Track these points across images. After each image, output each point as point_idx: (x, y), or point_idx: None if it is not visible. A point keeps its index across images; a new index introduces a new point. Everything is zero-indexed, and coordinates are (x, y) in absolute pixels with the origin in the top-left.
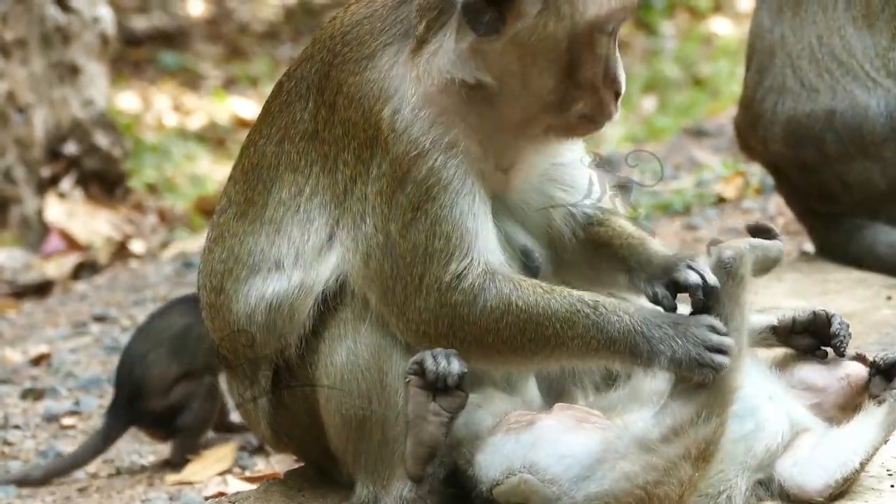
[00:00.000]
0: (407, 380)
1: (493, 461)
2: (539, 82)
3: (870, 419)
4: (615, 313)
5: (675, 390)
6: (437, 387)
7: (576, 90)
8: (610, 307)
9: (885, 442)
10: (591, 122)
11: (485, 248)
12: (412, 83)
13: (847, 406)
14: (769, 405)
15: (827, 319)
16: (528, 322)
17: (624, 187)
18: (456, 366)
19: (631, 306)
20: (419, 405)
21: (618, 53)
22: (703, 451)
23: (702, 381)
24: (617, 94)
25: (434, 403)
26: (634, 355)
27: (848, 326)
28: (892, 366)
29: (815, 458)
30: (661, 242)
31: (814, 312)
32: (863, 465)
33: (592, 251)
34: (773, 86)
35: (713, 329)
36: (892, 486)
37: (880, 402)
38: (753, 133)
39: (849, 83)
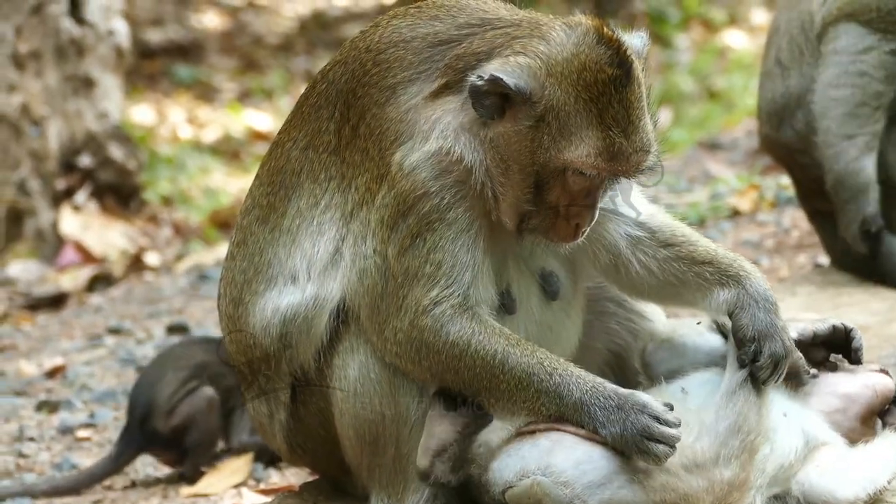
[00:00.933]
0: (433, 393)
1: (507, 464)
2: (512, 180)
3: (891, 444)
4: (568, 386)
5: (701, 424)
6: (460, 402)
7: (539, 205)
8: (565, 377)
9: None
10: (548, 238)
11: (470, 283)
12: (422, 135)
13: (867, 418)
14: (783, 423)
15: (846, 333)
16: (483, 370)
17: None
18: None
19: (588, 381)
20: (440, 406)
21: (599, 196)
22: (727, 497)
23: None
24: (578, 227)
25: (455, 412)
26: (578, 424)
27: (861, 337)
28: None
29: (847, 470)
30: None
31: (833, 326)
32: (889, 482)
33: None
34: (763, 71)
35: (657, 419)
36: None
37: None
38: (759, 122)
39: (810, 58)
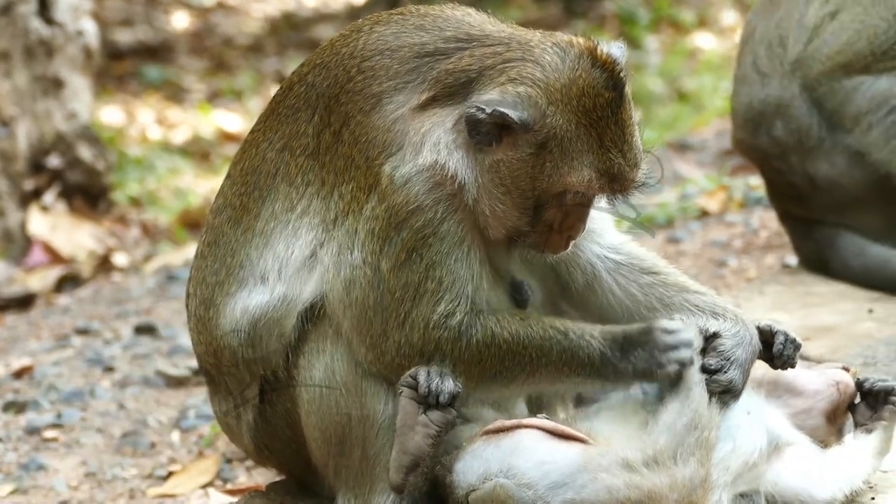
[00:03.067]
0: (399, 391)
1: (471, 466)
2: (511, 203)
3: (865, 445)
4: (582, 338)
5: (659, 423)
6: (428, 402)
7: (536, 224)
8: (578, 332)
9: (876, 470)
10: (538, 250)
11: (473, 294)
12: (413, 147)
13: (832, 415)
14: (746, 420)
15: (771, 335)
16: (507, 352)
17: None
18: (449, 384)
19: (595, 328)
20: (408, 415)
21: (590, 207)
22: (690, 494)
23: (672, 376)
24: (570, 238)
25: (424, 416)
26: (602, 375)
27: (794, 341)
28: (877, 394)
29: (823, 469)
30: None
31: (758, 327)
32: (863, 485)
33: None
34: (739, 75)
35: (666, 331)
36: (873, 498)
37: (869, 431)
38: (732, 126)
39: (792, 73)
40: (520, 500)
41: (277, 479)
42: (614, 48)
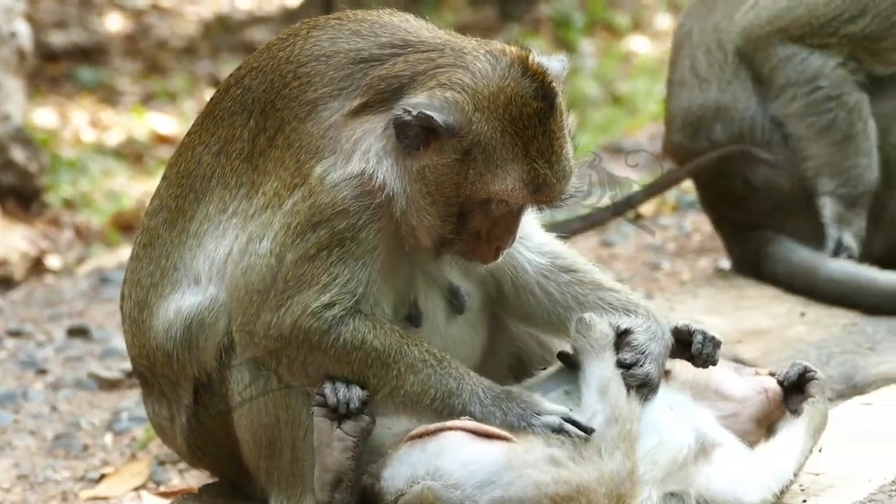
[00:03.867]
0: (311, 411)
1: (398, 472)
2: (435, 209)
3: (795, 430)
4: (458, 370)
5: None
6: (340, 413)
7: (461, 232)
8: (456, 365)
9: (820, 450)
10: (466, 259)
11: (362, 295)
12: (344, 154)
13: (763, 420)
14: (670, 415)
15: (689, 334)
16: (375, 360)
17: (617, 183)
18: (357, 390)
19: (473, 373)
20: (323, 432)
21: (520, 220)
22: (619, 487)
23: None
24: (499, 248)
25: (338, 430)
26: (468, 411)
27: (713, 339)
28: (797, 379)
29: (750, 470)
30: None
31: (676, 327)
32: (796, 475)
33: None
34: (675, 80)
35: (538, 409)
36: (805, 501)
37: (799, 413)
38: (667, 130)
39: (729, 73)
40: (448, 500)
41: (210, 481)
42: (554, 61)
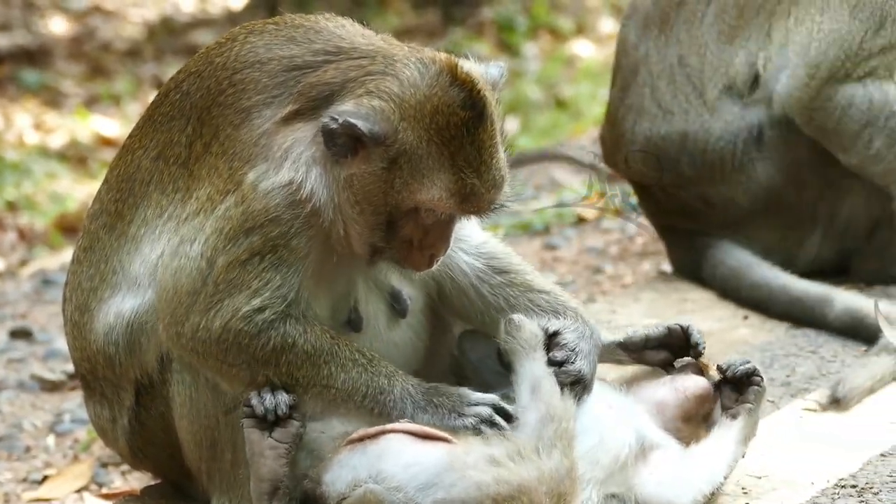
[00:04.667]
0: (241, 423)
1: (340, 475)
2: (364, 217)
3: (728, 434)
4: (387, 369)
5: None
6: (269, 420)
7: (391, 240)
8: (384, 365)
9: (744, 455)
10: (400, 266)
11: (293, 301)
12: (275, 163)
13: (691, 418)
14: (609, 414)
15: (683, 332)
16: (306, 361)
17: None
18: (283, 395)
19: (402, 372)
20: (254, 443)
21: (453, 228)
22: (559, 486)
23: (469, 428)
24: (431, 257)
25: (269, 439)
26: (400, 409)
27: (701, 335)
28: (740, 377)
29: (682, 473)
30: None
31: (668, 328)
32: (725, 477)
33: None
34: (633, 105)
35: (467, 400)
36: (748, 503)
37: (734, 417)
38: (617, 150)
39: (699, 106)
40: (390, 503)
41: (153, 482)
42: (492, 67)
